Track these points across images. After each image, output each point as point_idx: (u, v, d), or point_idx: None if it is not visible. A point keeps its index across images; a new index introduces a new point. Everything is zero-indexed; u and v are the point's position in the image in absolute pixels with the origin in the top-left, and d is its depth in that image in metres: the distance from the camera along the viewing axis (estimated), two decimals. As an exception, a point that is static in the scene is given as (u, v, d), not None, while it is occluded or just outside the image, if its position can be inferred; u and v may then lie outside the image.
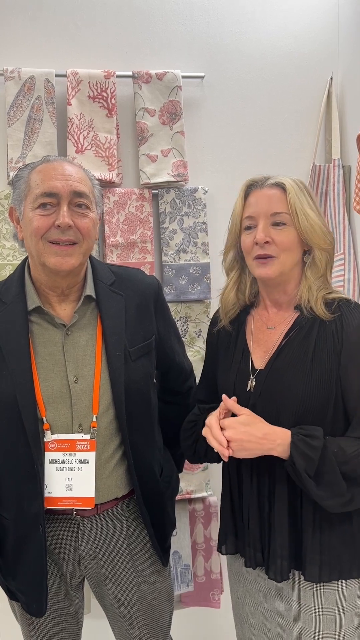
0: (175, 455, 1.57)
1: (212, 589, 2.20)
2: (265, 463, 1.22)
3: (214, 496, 2.16)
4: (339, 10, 2.00)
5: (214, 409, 1.35)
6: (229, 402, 1.21)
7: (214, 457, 1.33)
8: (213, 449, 1.23)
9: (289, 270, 1.25)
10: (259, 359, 1.28)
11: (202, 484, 2.13)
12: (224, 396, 1.23)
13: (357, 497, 1.15)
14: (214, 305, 2.08)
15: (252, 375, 1.26)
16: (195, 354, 2.05)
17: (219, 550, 1.37)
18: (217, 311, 1.42)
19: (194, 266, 2.01)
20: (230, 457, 1.23)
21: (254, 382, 1.26)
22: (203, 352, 2.07)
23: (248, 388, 1.26)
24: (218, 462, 1.37)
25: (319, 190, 2.02)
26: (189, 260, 2.01)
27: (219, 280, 2.07)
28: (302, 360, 1.21)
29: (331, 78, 2.01)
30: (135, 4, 1.92)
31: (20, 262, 1.91)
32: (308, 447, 1.14)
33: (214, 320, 1.43)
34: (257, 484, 1.26)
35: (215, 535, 2.18)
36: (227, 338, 1.37)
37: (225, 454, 1.17)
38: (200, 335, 2.06)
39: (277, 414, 1.21)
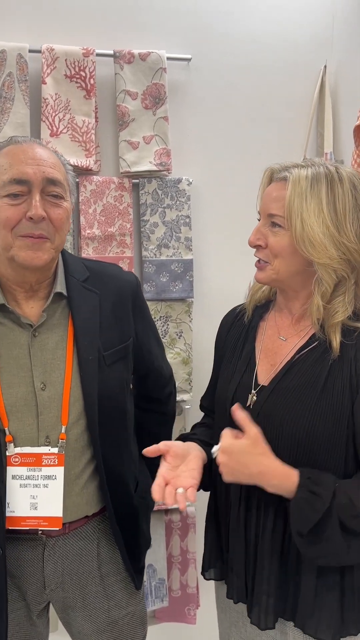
0: (152, 466, 1.44)
1: (187, 604, 2.09)
2: (256, 493, 1.09)
3: (192, 506, 2.05)
4: (334, -6, 1.89)
5: (203, 425, 1.25)
6: (239, 414, 1.04)
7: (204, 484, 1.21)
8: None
9: (286, 279, 1.10)
10: (264, 372, 1.14)
11: (179, 493, 2.00)
12: (233, 408, 1.06)
13: (357, 552, 1.01)
14: (197, 304, 1.97)
15: (254, 390, 1.13)
16: (176, 357, 1.93)
17: (203, 575, 1.26)
18: (231, 311, 1.32)
19: (176, 262, 1.88)
20: (220, 483, 1.13)
21: (254, 398, 1.12)
22: (184, 355, 1.96)
23: (248, 403, 1.12)
24: (205, 490, 1.25)
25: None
26: (171, 256, 1.88)
27: (202, 278, 1.97)
28: (312, 385, 1.06)
29: (325, 67, 1.90)
30: (118, -23, 1.78)
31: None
32: (310, 508, 0.99)
33: (225, 322, 1.32)
34: (245, 516, 1.13)
35: (192, 547, 2.07)
36: (235, 343, 1.24)
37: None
38: (181, 336, 1.93)
39: (276, 439, 1.07)
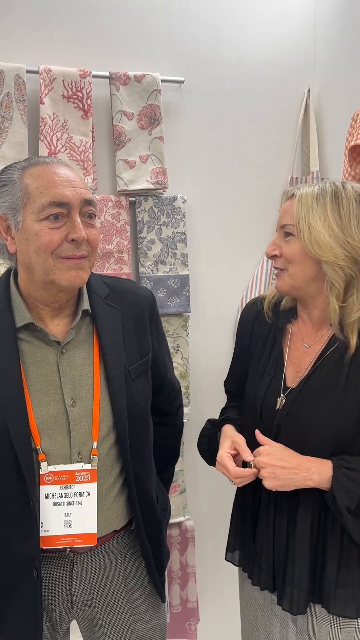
0: (163, 479, 1.46)
1: (188, 619, 2.09)
2: (285, 495, 1.16)
3: (191, 520, 2.06)
4: (315, 22, 2.00)
5: (227, 420, 1.31)
6: (261, 438, 1.17)
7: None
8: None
9: (303, 285, 1.18)
10: (291, 377, 1.22)
11: (179, 508, 2.01)
12: (257, 432, 1.17)
13: None
14: (193, 318, 2.00)
15: (283, 393, 1.20)
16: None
17: (226, 558, 1.32)
18: (252, 304, 1.37)
19: (173, 278, 1.92)
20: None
21: (284, 400, 1.19)
22: (181, 368, 1.98)
23: (277, 406, 1.20)
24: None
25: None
26: (168, 272, 1.91)
27: (198, 292, 2.01)
28: (335, 384, 1.14)
29: (308, 90, 2.00)
30: (111, 1, 1.82)
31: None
32: (350, 481, 1.07)
33: (247, 314, 1.37)
34: (275, 508, 1.19)
35: (192, 561, 2.07)
36: (263, 340, 1.30)
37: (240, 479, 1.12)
38: (178, 350, 1.96)
39: (303, 437, 1.15)
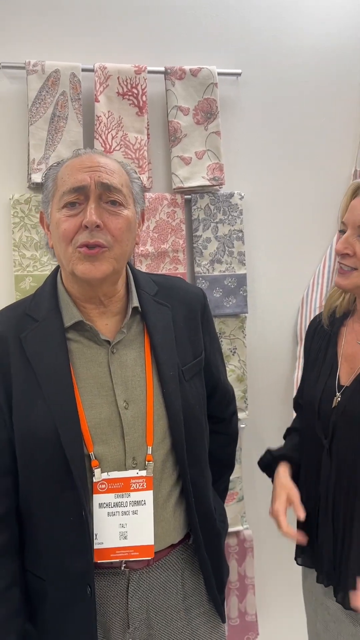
0: (218, 490, 1.38)
1: (246, 633, 2.01)
2: (346, 481, 1.16)
3: (249, 529, 1.97)
4: (381, 6, 1.88)
5: (283, 457, 1.31)
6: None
7: None
8: None
9: None
10: (346, 374, 1.20)
11: (237, 516, 1.94)
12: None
13: None
14: (251, 319, 1.92)
15: (338, 392, 1.18)
16: (230, 374, 1.88)
17: (296, 560, 1.32)
18: (317, 316, 1.37)
19: (229, 277, 1.85)
20: (309, 477, 1.22)
21: (339, 399, 1.17)
22: (238, 372, 1.91)
23: (333, 405, 1.18)
24: None
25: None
26: (224, 271, 1.84)
27: (256, 292, 1.93)
28: None
29: (373, 78, 1.89)
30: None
31: (40, 272, 1.73)
32: None
33: (311, 326, 1.37)
34: (333, 506, 1.17)
35: (250, 572, 1.99)
36: (318, 347, 1.29)
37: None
38: (235, 352, 1.89)
39: (357, 435, 1.11)
